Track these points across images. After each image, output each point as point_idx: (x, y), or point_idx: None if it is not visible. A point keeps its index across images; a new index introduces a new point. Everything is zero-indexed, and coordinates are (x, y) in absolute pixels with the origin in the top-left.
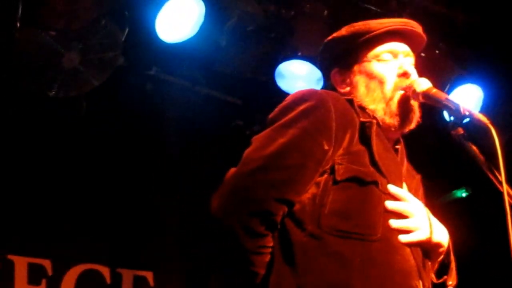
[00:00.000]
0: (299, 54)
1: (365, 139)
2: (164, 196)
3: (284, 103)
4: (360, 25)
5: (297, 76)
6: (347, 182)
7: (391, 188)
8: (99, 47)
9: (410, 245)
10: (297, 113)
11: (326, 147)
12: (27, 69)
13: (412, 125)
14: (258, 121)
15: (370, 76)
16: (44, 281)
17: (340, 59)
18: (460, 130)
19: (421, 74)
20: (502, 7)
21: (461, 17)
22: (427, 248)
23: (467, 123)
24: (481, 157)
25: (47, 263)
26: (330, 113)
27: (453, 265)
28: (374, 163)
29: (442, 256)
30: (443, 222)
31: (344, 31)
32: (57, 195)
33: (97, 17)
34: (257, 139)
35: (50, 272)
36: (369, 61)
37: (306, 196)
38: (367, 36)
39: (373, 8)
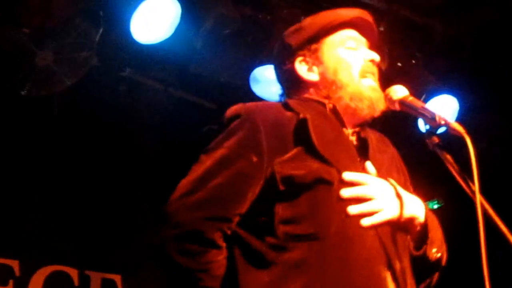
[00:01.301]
0: None
1: (303, 136)
2: (135, 198)
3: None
4: (325, 13)
5: (272, 81)
6: (290, 188)
7: (346, 175)
8: (72, 47)
9: (376, 226)
10: (224, 134)
11: (255, 159)
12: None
13: (376, 113)
14: None
15: (338, 61)
16: (11, 282)
17: (303, 49)
18: (436, 139)
19: (397, 83)
20: (478, 19)
21: (438, 27)
22: (399, 225)
23: (442, 132)
24: (455, 167)
25: (15, 264)
26: (257, 125)
27: (434, 233)
28: (318, 156)
29: (418, 228)
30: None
31: (306, 21)
32: (25, 195)
33: (71, 16)
34: (193, 166)
35: (17, 273)
36: (336, 47)
37: (258, 208)
38: (333, 23)
39: None
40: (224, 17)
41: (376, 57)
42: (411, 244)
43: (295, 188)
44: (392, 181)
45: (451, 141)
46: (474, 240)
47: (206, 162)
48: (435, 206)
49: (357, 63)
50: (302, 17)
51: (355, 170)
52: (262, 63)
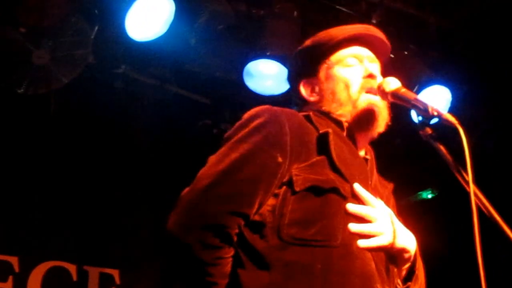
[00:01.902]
0: (268, 53)
1: (324, 149)
2: (132, 194)
3: (240, 121)
4: (322, 34)
5: (266, 75)
6: (305, 191)
7: (357, 187)
8: (68, 45)
9: (370, 250)
10: (250, 129)
11: (280, 160)
12: None
13: (381, 128)
14: (227, 120)
15: (336, 80)
16: (11, 278)
17: (306, 70)
18: (429, 130)
19: (390, 74)
20: (471, 10)
21: (430, 19)
22: (391, 254)
23: (435, 123)
24: (449, 157)
25: (14, 260)
26: (284, 127)
27: (419, 272)
28: (335, 169)
29: (409, 263)
30: (410, 222)
31: (308, 42)
32: (24, 192)
33: (67, 14)
34: (212, 158)
35: (17, 269)
36: (333, 66)
37: (266, 208)
38: (330, 43)
39: (343, 9)
40: (218, 13)
41: (374, 70)
42: (398, 277)
43: (309, 192)
44: (391, 211)
45: (445, 132)
46: (468, 230)
47: (230, 154)
48: (429, 196)
49: (356, 80)
50: (295, 12)
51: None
52: (255, 57)
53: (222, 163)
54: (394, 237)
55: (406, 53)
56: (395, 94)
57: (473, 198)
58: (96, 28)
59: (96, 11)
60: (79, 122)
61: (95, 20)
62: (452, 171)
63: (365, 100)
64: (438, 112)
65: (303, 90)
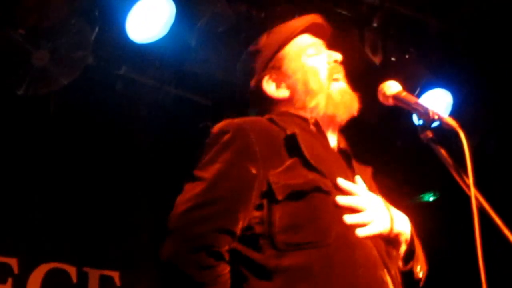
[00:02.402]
0: None
1: (294, 150)
2: (133, 196)
3: (207, 140)
4: (276, 31)
5: None
6: (288, 198)
7: (341, 182)
8: (68, 46)
9: (371, 237)
10: (218, 148)
11: (254, 172)
12: None
13: (354, 113)
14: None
15: (304, 70)
16: (10, 280)
17: (267, 68)
18: (429, 134)
19: (390, 78)
20: (472, 13)
21: (431, 22)
22: (389, 238)
23: (436, 126)
24: (450, 161)
25: (13, 262)
26: (250, 138)
27: (418, 251)
28: (311, 168)
29: (405, 245)
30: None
31: (261, 42)
32: (24, 194)
33: (67, 15)
34: (187, 184)
35: (16, 271)
36: (298, 58)
37: (254, 220)
38: (290, 37)
39: (343, 12)
40: (219, 14)
41: (338, 57)
42: (399, 258)
43: (292, 197)
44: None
45: (445, 135)
46: (469, 233)
47: (205, 176)
48: (431, 198)
49: (323, 68)
50: (296, 14)
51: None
52: None
53: (198, 186)
54: (389, 222)
55: (406, 56)
56: (396, 98)
57: (474, 201)
58: (96, 29)
59: (96, 12)
60: (79, 123)
61: (95, 21)
62: (453, 174)
63: (337, 89)
64: (438, 115)
65: (267, 87)
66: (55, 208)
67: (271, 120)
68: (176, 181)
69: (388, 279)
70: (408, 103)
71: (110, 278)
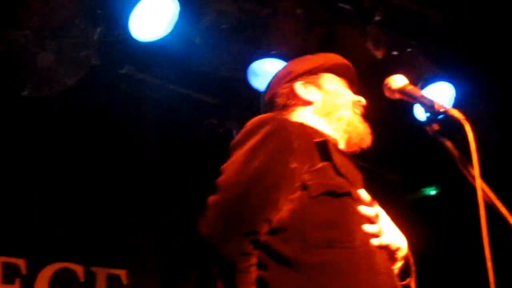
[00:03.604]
0: (273, 52)
1: (325, 155)
2: (139, 194)
3: (245, 128)
4: (323, 55)
5: (271, 74)
6: (322, 196)
7: (362, 193)
8: (72, 46)
9: (381, 248)
10: (262, 137)
11: (292, 166)
12: (1, 68)
13: (366, 145)
14: (232, 119)
15: (336, 90)
16: (18, 280)
17: (304, 75)
18: (435, 126)
19: (393, 71)
20: (474, 5)
21: (433, 15)
22: (389, 252)
23: (441, 119)
24: (455, 152)
25: (21, 262)
26: (292, 134)
27: (413, 269)
28: (341, 175)
29: (402, 261)
30: (413, 219)
31: (308, 56)
32: (30, 194)
33: (71, 16)
34: (229, 166)
35: (24, 271)
36: (333, 81)
37: (285, 214)
38: (330, 63)
39: (346, 7)
40: (222, 12)
41: (363, 101)
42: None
43: (326, 196)
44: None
45: (450, 127)
46: (475, 225)
47: (251, 162)
48: (433, 192)
49: (349, 99)
50: (300, 11)
51: None
52: (261, 56)
53: (247, 170)
54: (393, 236)
55: (409, 49)
56: (402, 91)
57: (480, 192)
58: (100, 29)
59: (100, 12)
60: (84, 123)
61: (99, 21)
62: (459, 166)
63: (357, 117)
64: (444, 108)
65: (299, 88)
66: (62, 208)
67: (301, 125)
68: (182, 179)
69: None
70: (414, 97)
71: (117, 277)
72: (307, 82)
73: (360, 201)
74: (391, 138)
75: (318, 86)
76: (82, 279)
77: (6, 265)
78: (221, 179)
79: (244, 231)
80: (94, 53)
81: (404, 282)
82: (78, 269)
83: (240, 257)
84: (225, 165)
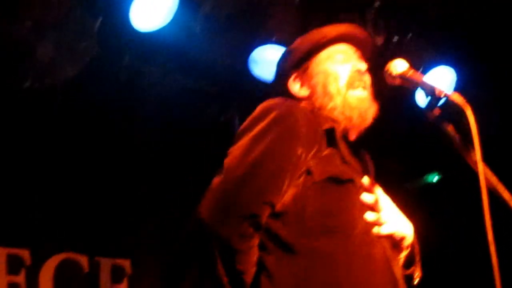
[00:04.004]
0: (274, 39)
1: (331, 143)
2: (141, 185)
3: (253, 114)
4: (314, 32)
5: (271, 61)
6: (325, 182)
7: (366, 181)
8: (72, 37)
9: (382, 237)
10: (269, 122)
11: (299, 152)
12: (1, 61)
13: (369, 121)
14: (233, 108)
15: (326, 74)
16: (23, 271)
17: (297, 67)
18: (437, 111)
19: (394, 56)
20: None
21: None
22: (394, 241)
23: (442, 104)
24: (457, 137)
25: (25, 253)
26: (299, 120)
27: (418, 257)
28: (346, 162)
29: (408, 249)
30: (416, 207)
31: (299, 40)
32: (33, 185)
33: (70, 7)
34: (235, 150)
35: (28, 262)
36: (324, 62)
37: (288, 198)
38: (321, 40)
39: None
40: (222, 0)
41: (363, 67)
42: (400, 262)
43: (329, 182)
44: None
45: (451, 112)
46: (477, 209)
47: (256, 147)
48: (435, 179)
49: (344, 75)
50: None
51: None
52: (261, 44)
53: (250, 154)
54: (398, 225)
55: (409, 34)
56: (403, 77)
57: (482, 176)
58: (100, 19)
59: (99, 2)
60: (84, 114)
61: (98, 11)
62: (460, 150)
63: (353, 96)
64: (445, 93)
65: (292, 86)
66: (66, 199)
67: (311, 112)
68: (184, 169)
69: (401, 278)
70: (415, 82)
71: (122, 266)
72: (298, 76)
73: (363, 189)
74: (391, 125)
75: (309, 77)
76: (86, 270)
77: (10, 256)
78: (226, 161)
79: (241, 213)
80: (95, 44)
81: (408, 271)
82: (83, 259)
83: (239, 239)
84: (232, 148)
